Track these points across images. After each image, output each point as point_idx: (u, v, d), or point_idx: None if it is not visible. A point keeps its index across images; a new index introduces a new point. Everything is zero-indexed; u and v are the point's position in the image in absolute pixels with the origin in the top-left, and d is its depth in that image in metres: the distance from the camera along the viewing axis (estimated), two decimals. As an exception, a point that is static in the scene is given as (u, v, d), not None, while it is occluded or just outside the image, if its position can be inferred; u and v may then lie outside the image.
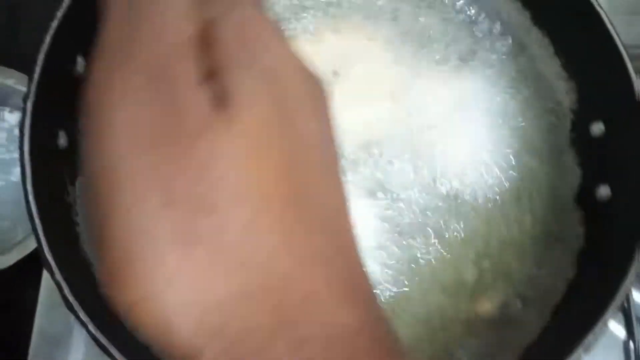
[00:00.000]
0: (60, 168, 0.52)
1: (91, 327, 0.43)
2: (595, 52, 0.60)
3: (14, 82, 0.79)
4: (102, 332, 0.44)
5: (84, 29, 0.54)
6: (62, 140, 0.51)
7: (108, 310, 0.46)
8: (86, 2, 0.51)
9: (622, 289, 0.51)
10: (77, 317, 0.43)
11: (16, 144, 0.78)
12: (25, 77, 0.79)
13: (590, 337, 0.49)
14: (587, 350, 0.50)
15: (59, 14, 0.47)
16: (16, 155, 0.78)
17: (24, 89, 0.78)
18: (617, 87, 0.58)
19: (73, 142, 0.54)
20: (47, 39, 0.46)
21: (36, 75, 0.46)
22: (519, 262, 0.61)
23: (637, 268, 0.52)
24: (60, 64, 0.49)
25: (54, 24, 0.47)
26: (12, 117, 0.81)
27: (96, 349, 0.59)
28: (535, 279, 0.61)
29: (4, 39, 0.82)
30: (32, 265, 0.69)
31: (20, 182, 0.46)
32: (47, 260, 0.43)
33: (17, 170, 0.73)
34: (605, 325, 0.50)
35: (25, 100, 0.45)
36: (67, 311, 0.68)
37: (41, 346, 0.63)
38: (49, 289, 0.67)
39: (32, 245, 0.72)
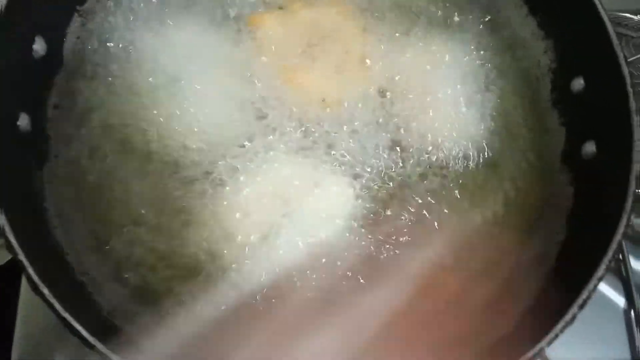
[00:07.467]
0: (24, 152, 0.50)
1: (58, 306, 0.41)
2: (570, 6, 0.58)
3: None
4: (71, 313, 0.42)
5: (38, 8, 0.53)
6: (24, 122, 0.49)
7: (79, 295, 0.44)
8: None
9: (616, 240, 0.49)
10: (42, 296, 0.41)
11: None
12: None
13: (584, 294, 0.48)
14: (582, 307, 0.48)
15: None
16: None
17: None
18: (594, 39, 0.56)
19: (38, 126, 0.52)
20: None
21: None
22: (510, 230, 0.59)
23: (628, 219, 0.50)
24: (18, 41, 0.48)
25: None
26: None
27: (83, 350, 0.57)
28: (527, 244, 0.59)
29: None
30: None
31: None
32: (8, 239, 0.42)
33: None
34: (600, 281, 0.48)
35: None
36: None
37: (24, 347, 0.61)
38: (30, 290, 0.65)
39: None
